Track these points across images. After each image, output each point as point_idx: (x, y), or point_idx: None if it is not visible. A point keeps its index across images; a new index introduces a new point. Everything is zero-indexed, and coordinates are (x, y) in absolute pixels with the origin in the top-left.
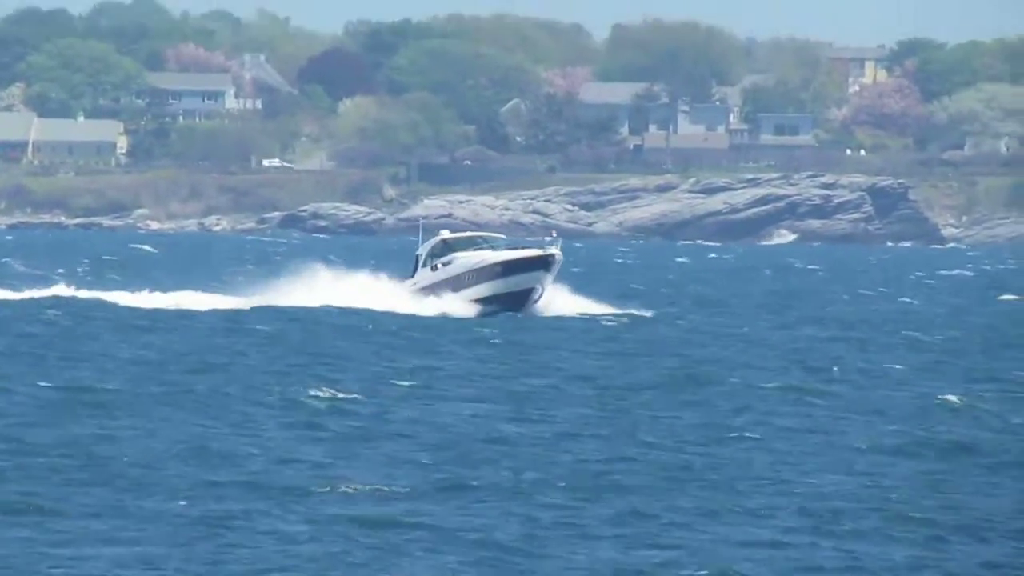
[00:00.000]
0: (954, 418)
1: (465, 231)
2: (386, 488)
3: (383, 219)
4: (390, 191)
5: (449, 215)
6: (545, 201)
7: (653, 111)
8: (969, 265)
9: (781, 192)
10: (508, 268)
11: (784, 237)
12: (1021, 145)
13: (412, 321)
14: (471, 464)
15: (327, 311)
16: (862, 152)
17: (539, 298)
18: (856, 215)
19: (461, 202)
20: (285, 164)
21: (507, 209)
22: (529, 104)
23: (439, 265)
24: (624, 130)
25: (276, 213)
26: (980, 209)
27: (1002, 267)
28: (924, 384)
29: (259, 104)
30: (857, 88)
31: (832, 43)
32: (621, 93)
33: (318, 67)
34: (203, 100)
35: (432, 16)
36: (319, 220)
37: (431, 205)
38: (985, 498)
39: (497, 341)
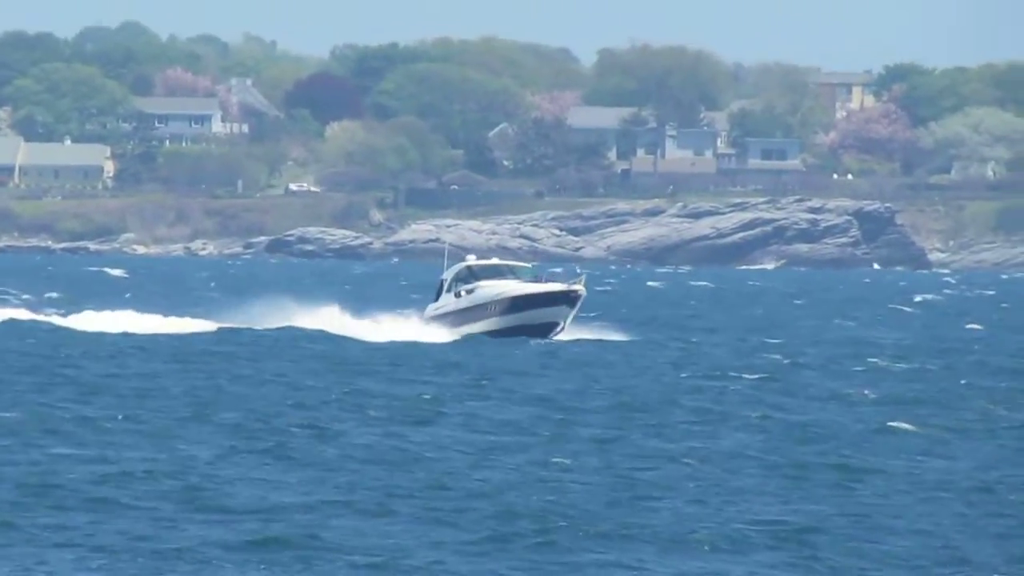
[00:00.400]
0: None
1: (491, 258)
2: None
3: (370, 243)
4: (377, 215)
5: (436, 239)
6: (533, 226)
7: (641, 135)
8: (946, 291)
9: (768, 216)
10: (531, 301)
11: (767, 263)
12: (1008, 170)
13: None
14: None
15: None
16: (849, 176)
17: (561, 331)
18: (843, 239)
19: (448, 226)
20: (311, 188)
21: (494, 233)
22: (517, 128)
23: (463, 292)
24: (612, 154)
25: (263, 237)
26: (967, 234)
27: (979, 293)
28: (864, 410)
29: (246, 128)
30: (844, 113)
31: (819, 68)
32: (609, 117)
33: (305, 91)
34: (190, 124)
35: (419, 40)
36: (306, 244)
37: (418, 230)
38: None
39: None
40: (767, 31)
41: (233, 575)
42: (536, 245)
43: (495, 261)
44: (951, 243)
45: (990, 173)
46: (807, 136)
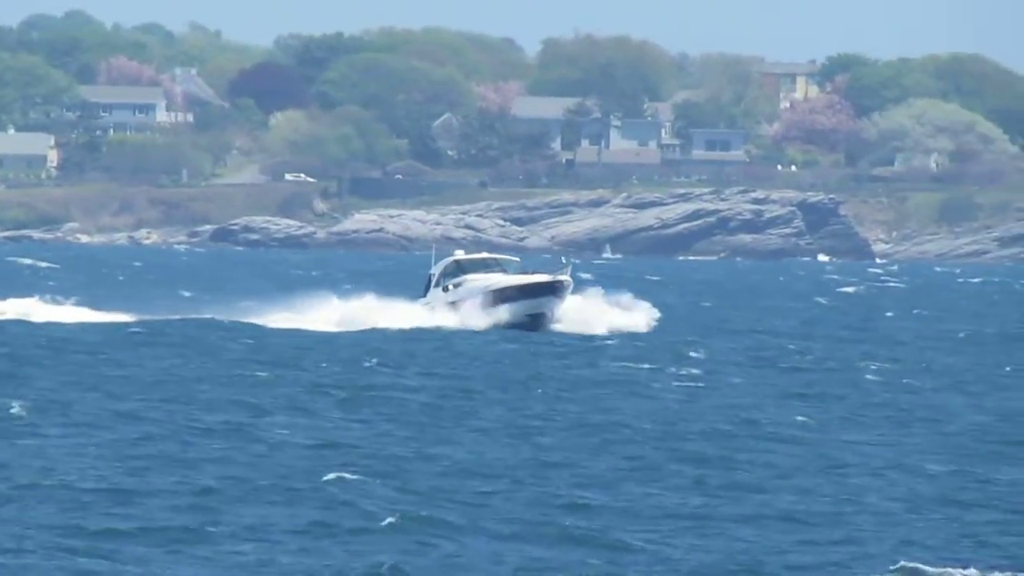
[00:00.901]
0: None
1: (480, 252)
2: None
3: (314, 233)
4: (321, 205)
5: (380, 229)
6: (477, 216)
7: (585, 126)
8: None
9: (712, 207)
10: (518, 293)
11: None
12: (951, 161)
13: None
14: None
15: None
16: (793, 167)
17: (550, 322)
18: (787, 230)
19: (392, 216)
20: (308, 179)
21: (438, 224)
22: (461, 118)
23: (450, 286)
24: (556, 145)
25: (207, 227)
26: (910, 225)
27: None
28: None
29: (190, 117)
30: (788, 104)
31: (763, 59)
32: (553, 108)
33: (249, 81)
34: (134, 113)
35: (364, 30)
36: (250, 234)
37: (362, 219)
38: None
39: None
40: (711, 21)
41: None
42: (480, 235)
43: (483, 255)
44: (894, 234)
45: (933, 165)
46: (751, 127)
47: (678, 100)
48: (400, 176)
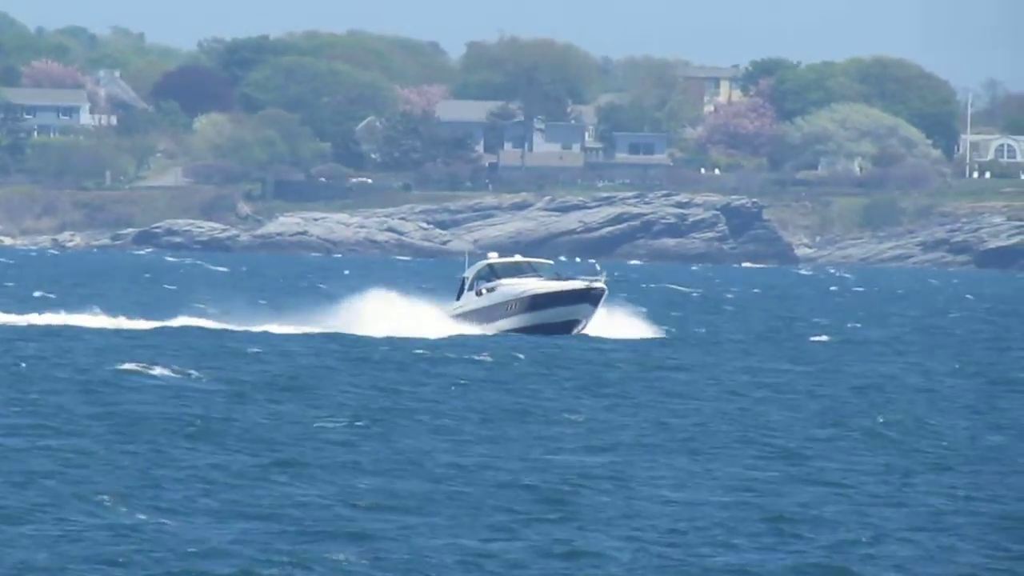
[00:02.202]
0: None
1: (514, 256)
2: None
3: (238, 236)
4: (245, 208)
5: (304, 232)
6: (400, 219)
7: (508, 129)
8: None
9: (636, 211)
10: (552, 299)
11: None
12: (874, 165)
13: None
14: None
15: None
16: (717, 171)
17: (583, 329)
18: (710, 234)
19: (316, 219)
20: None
21: (362, 227)
22: (384, 121)
23: (484, 290)
24: (479, 148)
25: (130, 229)
26: (834, 229)
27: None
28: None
29: (114, 120)
30: (712, 107)
31: (687, 62)
32: (477, 111)
33: (173, 83)
34: (58, 116)
35: (288, 33)
36: (174, 236)
37: (286, 222)
38: None
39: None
40: (635, 25)
41: None
42: (403, 238)
43: (517, 259)
44: (818, 238)
45: (856, 169)
46: (675, 130)
47: (602, 103)
48: (324, 179)
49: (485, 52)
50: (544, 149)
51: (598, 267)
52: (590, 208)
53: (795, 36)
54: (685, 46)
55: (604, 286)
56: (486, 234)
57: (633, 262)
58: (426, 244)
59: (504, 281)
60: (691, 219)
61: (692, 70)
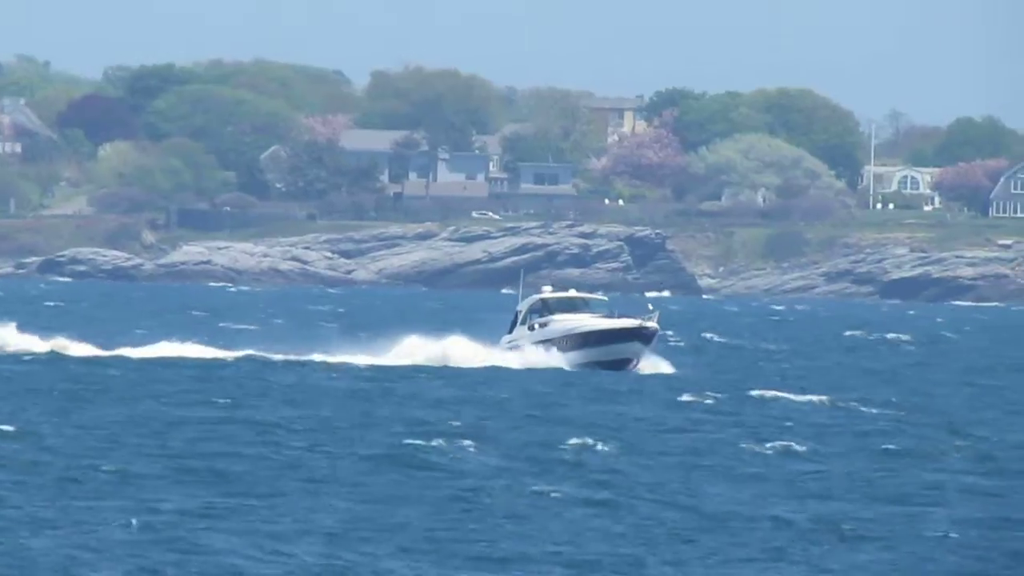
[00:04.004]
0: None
1: (568, 290)
2: None
3: (142, 264)
4: (149, 237)
5: (208, 261)
6: (304, 248)
7: (413, 159)
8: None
9: (540, 241)
10: (604, 337)
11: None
12: (778, 196)
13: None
14: None
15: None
16: (621, 202)
17: (635, 367)
18: (614, 264)
19: (220, 248)
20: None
21: (266, 256)
22: (289, 150)
23: (536, 325)
24: (384, 177)
25: (34, 258)
26: (737, 260)
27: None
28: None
29: (19, 148)
30: (616, 138)
31: (592, 93)
32: (381, 140)
33: (78, 112)
34: None
35: (193, 62)
36: (78, 265)
37: (190, 251)
38: None
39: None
40: (540, 55)
41: None
42: (308, 267)
43: (571, 294)
44: (721, 269)
45: (760, 199)
46: (579, 161)
47: (506, 133)
48: (228, 208)
49: (390, 82)
50: (448, 179)
51: (650, 306)
52: (495, 238)
53: (700, 66)
54: (589, 77)
55: (657, 325)
56: (391, 263)
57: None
58: (331, 273)
59: (557, 316)
60: (595, 249)
61: (596, 101)
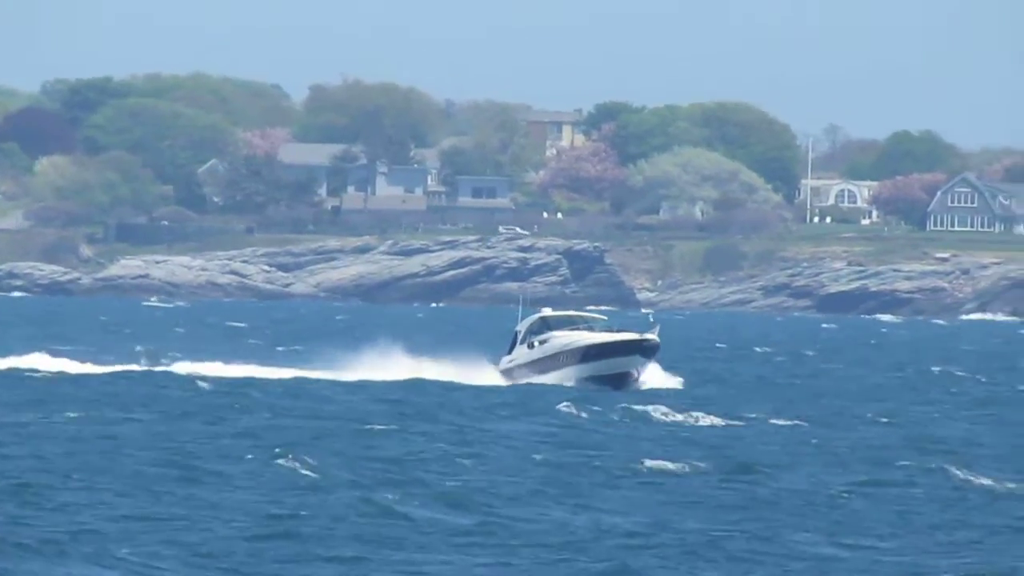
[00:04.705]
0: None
1: (568, 310)
2: None
3: (79, 279)
4: (87, 251)
5: (146, 275)
6: (243, 262)
7: (352, 172)
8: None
9: (478, 255)
10: (603, 351)
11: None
12: (716, 210)
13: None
14: None
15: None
16: (559, 215)
17: (636, 382)
18: (553, 278)
19: (158, 262)
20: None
21: (204, 269)
22: (227, 164)
23: (536, 343)
24: (323, 191)
25: None
26: (675, 273)
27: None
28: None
29: None
30: (555, 151)
31: (530, 106)
32: (319, 154)
33: (14, 125)
34: None
35: (131, 75)
36: (14, 279)
37: (128, 265)
38: None
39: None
40: (478, 69)
41: None
42: (246, 281)
43: (570, 312)
44: (659, 283)
45: (698, 213)
46: (518, 174)
47: (445, 147)
48: (166, 222)
49: (328, 95)
50: (387, 192)
51: (651, 319)
52: (433, 252)
53: (638, 81)
54: (528, 90)
55: (657, 339)
56: (329, 277)
57: (476, 305)
58: (268, 287)
59: (556, 334)
60: (533, 263)
61: (535, 114)
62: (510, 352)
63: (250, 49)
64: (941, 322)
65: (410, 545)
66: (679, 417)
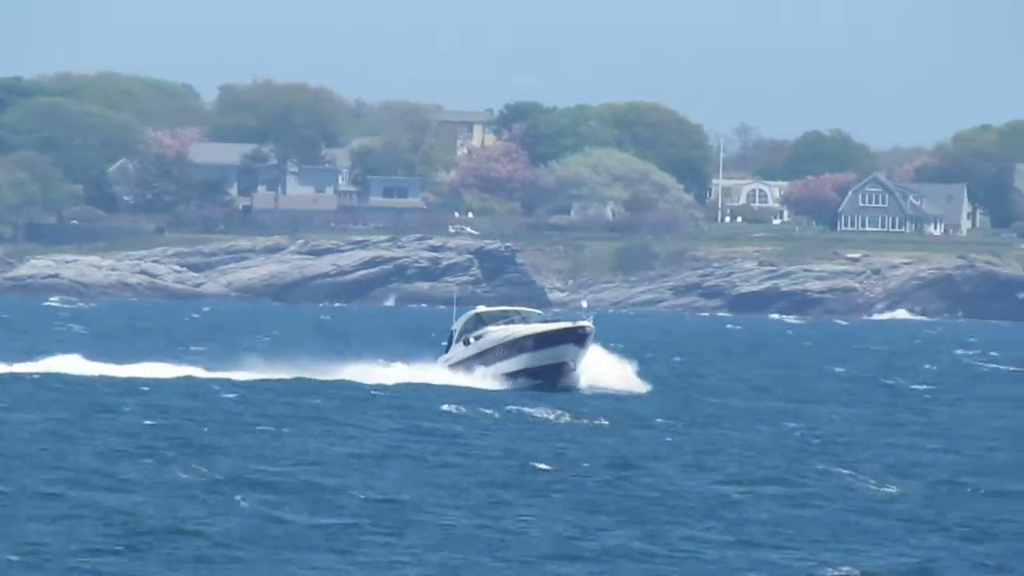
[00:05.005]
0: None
1: (498, 307)
2: None
3: None
4: None
5: (56, 275)
6: (153, 262)
7: (262, 172)
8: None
9: (389, 255)
10: (538, 341)
11: (389, 300)
12: (627, 210)
13: None
14: None
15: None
16: (470, 215)
17: (572, 372)
18: (464, 278)
19: (68, 262)
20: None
21: (114, 269)
22: (138, 164)
23: (472, 339)
24: (233, 191)
25: None
26: (586, 273)
27: None
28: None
29: None
30: (466, 151)
31: (441, 106)
32: (230, 154)
33: None
34: None
35: (40, 74)
36: None
37: (37, 264)
38: None
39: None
40: (389, 69)
41: None
42: (156, 281)
43: (505, 308)
44: (570, 282)
45: (609, 213)
46: (429, 174)
47: (355, 147)
48: (76, 221)
49: (238, 95)
50: (298, 192)
51: (584, 304)
52: (343, 251)
53: (549, 80)
54: (439, 90)
55: (591, 325)
56: (240, 277)
57: (387, 304)
58: (179, 287)
59: (491, 328)
60: (444, 263)
61: (446, 114)
62: (447, 351)
63: (160, 49)
64: (843, 322)
65: (283, 546)
66: (563, 417)
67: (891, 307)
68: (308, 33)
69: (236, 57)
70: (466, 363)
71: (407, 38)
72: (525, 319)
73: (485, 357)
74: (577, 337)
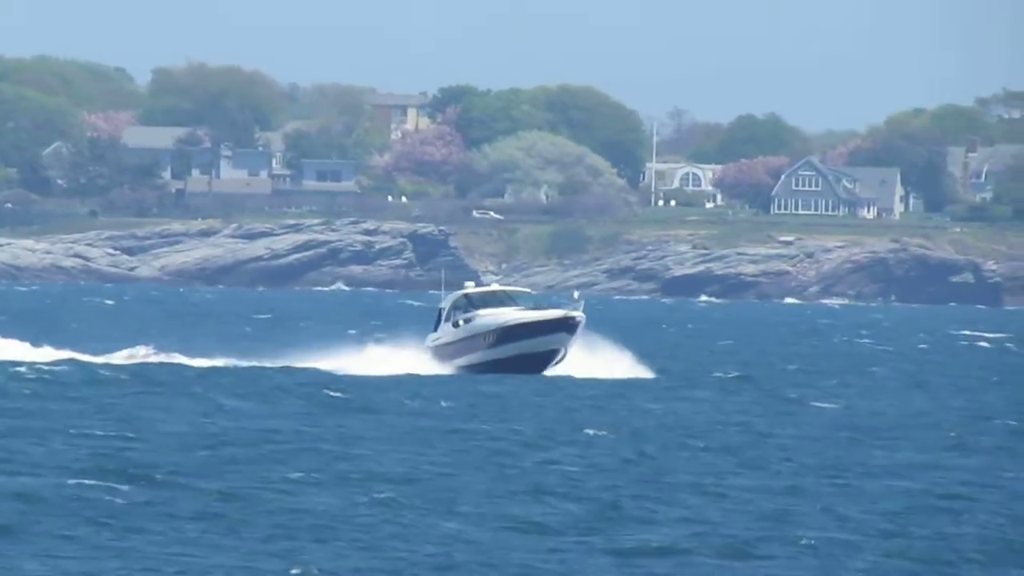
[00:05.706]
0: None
1: (491, 285)
2: None
3: None
4: None
5: None
6: (87, 245)
7: (196, 156)
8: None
9: (323, 238)
10: (528, 329)
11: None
12: (560, 194)
13: None
14: None
15: None
16: (404, 199)
17: (561, 360)
18: (397, 261)
19: (1, 245)
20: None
21: (48, 252)
22: (71, 147)
23: (461, 321)
24: (167, 174)
25: None
26: (520, 256)
27: None
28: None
29: None
30: (400, 135)
31: (375, 90)
32: (164, 137)
33: None
34: None
35: None
36: None
37: None
38: None
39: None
40: (322, 52)
41: None
42: (90, 264)
43: (494, 288)
44: (504, 266)
45: (543, 197)
46: (362, 158)
47: (289, 130)
48: (9, 204)
49: (172, 79)
50: (231, 176)
51: (576, 294)
52: (277, 235)
53: (483, 63)
54: (373, 73)
55: (582, 314)
56: (173, 260)
57: (321, 288)
58: (113, 270)
59: (481, 312)
60: (378, 246)
61: (380, 97)
62: (435, 330)
63: (94, 32)
64: (756, 301)
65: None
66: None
67: (824, 291)
68: (242, 16)
69: (169, 41)
70: (454, 346)
71: (341, 21)
72: (515, 301)
73: (474, 341)
74: (569, 326)
